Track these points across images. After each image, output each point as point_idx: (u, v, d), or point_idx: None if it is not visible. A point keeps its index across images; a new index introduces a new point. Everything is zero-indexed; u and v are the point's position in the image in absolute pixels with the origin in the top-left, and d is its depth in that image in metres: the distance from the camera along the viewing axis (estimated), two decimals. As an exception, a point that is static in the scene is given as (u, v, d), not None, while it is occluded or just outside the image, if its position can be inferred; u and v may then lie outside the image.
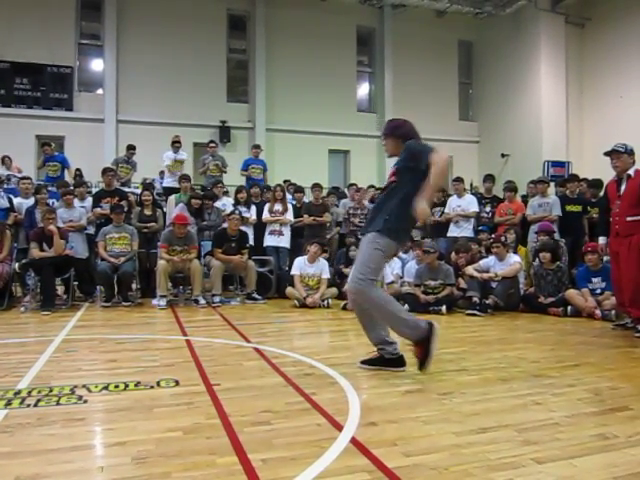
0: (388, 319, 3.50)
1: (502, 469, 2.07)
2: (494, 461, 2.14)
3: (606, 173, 7.74)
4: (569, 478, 2.00)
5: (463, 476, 2.02)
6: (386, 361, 3.59)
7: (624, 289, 5.04)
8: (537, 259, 6.85)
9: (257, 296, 7.44)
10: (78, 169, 11.17)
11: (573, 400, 2.96)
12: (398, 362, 3.57)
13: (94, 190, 9.66)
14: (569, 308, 6.27)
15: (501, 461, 2.14)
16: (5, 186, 8.85)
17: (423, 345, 3.41)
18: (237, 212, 7.79)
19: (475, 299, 6.51)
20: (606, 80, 13.74)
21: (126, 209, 7.81)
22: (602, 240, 5.45)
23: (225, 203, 8.55)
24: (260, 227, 8.40)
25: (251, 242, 8.00)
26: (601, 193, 7.94)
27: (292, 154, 14.56)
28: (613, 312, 5.78)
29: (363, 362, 3.69)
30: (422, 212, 3.38)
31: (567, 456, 2.19)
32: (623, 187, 5.02)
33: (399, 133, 3.73)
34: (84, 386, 3.18)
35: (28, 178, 8.29)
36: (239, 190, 8.66)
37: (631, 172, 4.99)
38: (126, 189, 8.98)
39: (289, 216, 8.25)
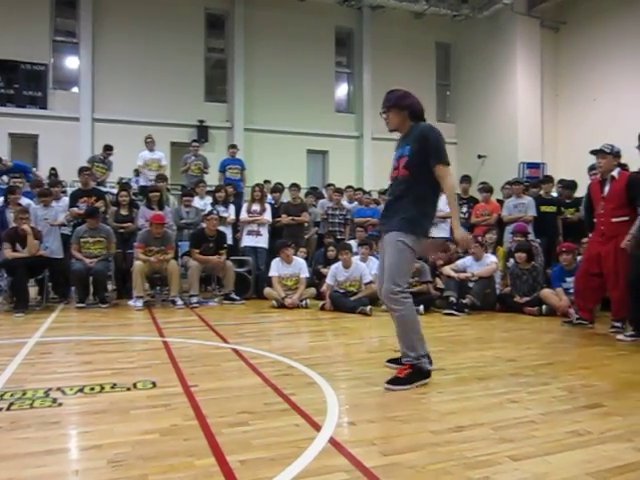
0: (410, 331, 3.30)
1: (479, 467, 2.10)
2: (471, 459, 2.17)
3: (580, 174, 7.94)
4: (544, 475, 2.04)
5: (440, 474, 2.04)
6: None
7: (610, 289, 5.16)
8: (513, 259, 6.94)
9: (235, 296, 7.40)
10: (53, 168, 11.00)
11: (548, 398, 3.01)
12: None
13: (69, 190, 9.51)
14: (544, 307, 6.37)
15: (477, 459, 2.17)
16: None
17: (413, 372, 3.23)
18: (215, 212, 7.75)
19: (452, 299, 6.57)
20: (580, 83, 13.98)
21: (103, 209, 7.72)
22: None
23: (206, 203, 8.51)
24: (239, 227, 8.38)
25: (229, 242, 7.96)
26: (575, 194, 8.12)
27: (271, 154, 14.51)
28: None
29: (391, 361, 3.63)
30: (464, 239, 3.31)
31: (542, 453, 2.23)
32: (607, 188, 5.12)
33: (405, 104, 3.38)
34: (59, 389, 3.14)
35: None
36: (217, 189, 8.62)
37: (615, 174, 5.09)
38: (102, 189, 8.87)
39: (267, 216, 8.23)
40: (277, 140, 14.89)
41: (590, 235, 5.53)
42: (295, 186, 8.86)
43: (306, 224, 8.68)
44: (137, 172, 10.08)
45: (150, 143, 9.75)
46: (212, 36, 15.39)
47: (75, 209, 7.63)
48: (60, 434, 2.50)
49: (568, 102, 14.47)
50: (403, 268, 3.28)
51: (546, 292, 6.42)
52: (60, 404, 2.88)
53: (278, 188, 9.29)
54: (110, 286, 7.54)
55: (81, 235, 7.05)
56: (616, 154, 5.15)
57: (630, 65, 12.51)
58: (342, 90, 16.92)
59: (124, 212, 7.87)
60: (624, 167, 5.48)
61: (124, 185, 9.29)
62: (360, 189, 10.40)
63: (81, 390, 3.13)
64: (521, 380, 3.40)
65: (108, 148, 9.78)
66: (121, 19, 14.06)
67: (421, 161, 3.28)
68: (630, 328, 4.91)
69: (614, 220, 5.02)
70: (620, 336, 4.86)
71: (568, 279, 6.27)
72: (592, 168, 6.70)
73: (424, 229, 3.37)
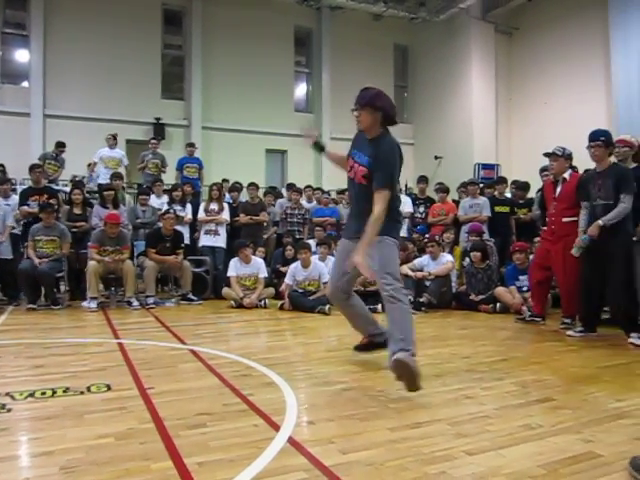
0: (407, 323, 3.18)
1: (435, 462, 2.13)
2: (428, 455, 2.20)
3: (532, 175, 8.18)
4: (498, 468, 2.09)
5: (398, 471, 2.07)
6: (379, 344, 3.66)
7: (560, 287, 5.39)
8: (468, 258, 7.09)
9: (193, 297, 7.31)
10: (1, 165, 10.60)
11: (502, 393, 3.09)
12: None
13: (19, 188, 9.21)
14: (498, 305, 6.54)
15: (434, 454, 2.21)
16: None
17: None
18: (172, 211, 7.64)
19: (409, 297, 6.65)
20: (532, 87, 14.39)
21: (55, 207, 7.49)
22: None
23: (163, 202, 8.36)
24: (196, 226, 8.28)
25: (187, 242, 7.85)
26: (528, 195, 8.36)
27: (229, 153, 14.38)
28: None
29: (357, 348, 3.85)
30: (355, 263, 3.09)
31: (496, 447, 2.29)
32: (559, 189, 5.31)
33: (379, 105, 3.24)
34: (8, 394, 3.03)
35: None
36: (174, 188, 8.50)
37: (566, 175, 5.28)
38: (54, 187, 8.62)
39: (225, 216, 8.16)
40: (235, 139, 14.78)
41: (544, 228, 5.72)
42: (253, 185, 8.82)
43: (265, 224, 8.65)
44: (90, 166, 9.85)
45: (110, 139, 9.55)
46: (169, 32, 15.14)
47: (25, 207, 7.38)
48: (10, 441, 2.42)
49: (521, 105, 14.88)
50: (396, 262, 3.34)
51: (500, 290, 6.59)
52: (9, 410, 2.78)
53: (236, 187, 9.23)
54: (63, 287, 7.33)
55: (35, 233, 6.82)
56: (567, 156, 5.35)
57: (578, 67, 12.98)
58: (301, 90, 16.92)
59: (77, 211, 7.66)
60: (574, 169, 5.69)
61: (77, 183, 9.05)
62: (319, 189, 10.42)
63: (32, 395, 3.03)
64: (476, 376, 3.48)
65: (60, 145, 9.51)
66: (75, 11, 13.65)
67: (381, 175, 3.24)
68: (579, 324, 5.09)
69: (564, 220, 5.20)
70: (570, 332, 5.03)
71: (521, 277, 6.45)
72: (544, 169, 6.92)
73: (393, 236, 3.36)
